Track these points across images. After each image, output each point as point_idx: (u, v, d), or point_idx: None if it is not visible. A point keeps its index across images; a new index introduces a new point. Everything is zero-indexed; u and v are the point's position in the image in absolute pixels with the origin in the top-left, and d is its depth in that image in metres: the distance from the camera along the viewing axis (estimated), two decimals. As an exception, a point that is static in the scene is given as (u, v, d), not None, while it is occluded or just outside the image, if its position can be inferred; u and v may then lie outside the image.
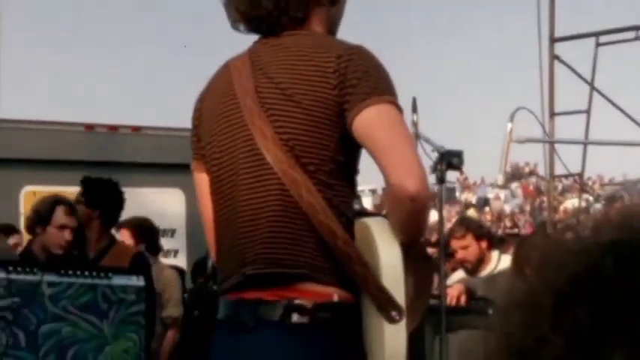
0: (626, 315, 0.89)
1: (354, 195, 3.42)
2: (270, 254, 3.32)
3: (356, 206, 3.39)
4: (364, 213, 3.41)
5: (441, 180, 6.35)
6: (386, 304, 3.24)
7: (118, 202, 7.30)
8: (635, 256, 0.92)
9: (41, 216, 6.79)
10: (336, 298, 3.29)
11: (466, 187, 37.36)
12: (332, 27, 3.59)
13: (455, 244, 8.20)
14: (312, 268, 3.29)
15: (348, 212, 3.35)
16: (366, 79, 3.26)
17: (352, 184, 3.40)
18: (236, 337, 3.37)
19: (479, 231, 8.32)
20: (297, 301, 3.28)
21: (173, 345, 8.41)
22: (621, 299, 0.89)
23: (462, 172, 31.13)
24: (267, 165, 3.31)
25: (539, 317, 0.93)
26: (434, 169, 6.34)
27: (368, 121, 3.22)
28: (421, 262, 3.49)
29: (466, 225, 8.48)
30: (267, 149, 3.30)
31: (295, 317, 3.28)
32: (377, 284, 3.24)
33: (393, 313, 3.23)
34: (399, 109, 3.29)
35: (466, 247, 8.08)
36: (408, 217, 3.24)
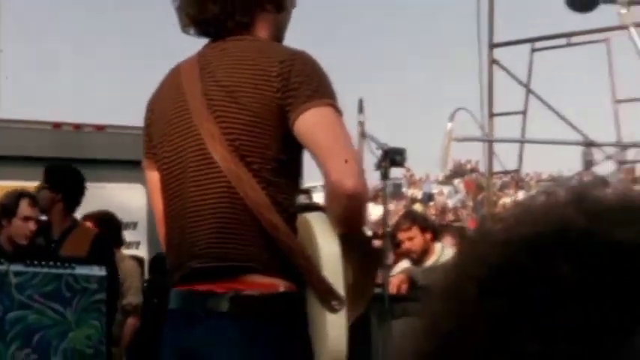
0: (540, 307, 0.89)
1: (296, 191, 3.43)
2: (216, 248, 3.32)
3: (305, 201, 3.40)
4: (308, 207, 3.42)
5: (385, 176, 6.38)
6: (327, 295, 3.25)
7: (79, 186, 7.34)
8: (549, 248, 0.93)
9: (7, 209, 6.81)
10: (281, 288, 3.29)
11: (412, 183, 37.41)
12: (278, 33, 3.58)
13: (401, 235, 8.28)
14: (258, 261, 3.29)
15: (291, 208, 3.35)
16: (308, 82, 3.27)
17: (295, 181, 3.40)
18: (186, 326, 3.37)
19: (424, 223, 8.42)
20: (244, 293, 3.28)
21: (134, 331, 8.42)
22: (536, 292, 0.90)
23: (407, 169, 31.05)
24: (214, 164, 3.31)
25: (463, 306, 0.94)
26: (378, 166, 6.37)
27: (308, 122, 3.23)
28: (362, 255, 3.51)
29: (412, 218, 8.60)
30: (214, 149, 3.30)
31: (242, 307, 3.28)
32: (318, 276, 3.25)
33: (334, 303, 3.25)
34: (338, 112, 3.30)
35: (412, 239, 8.16)
36: (346, 213, 3.26)
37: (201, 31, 3.56)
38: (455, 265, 0.99)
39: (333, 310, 3.25)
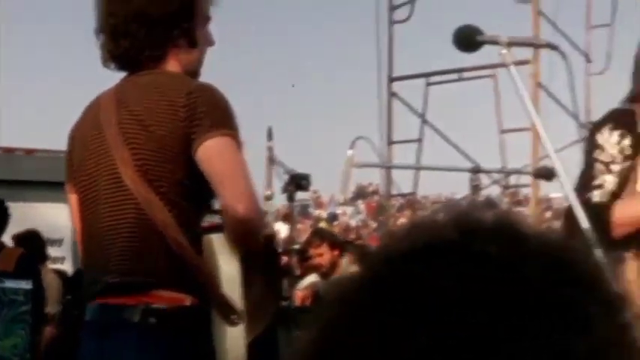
0: (394, 322, 0.91)
1: (201, 213, 3.46)
2: (127, 265, 3.33)
3: (217, 220, 3.42)
4: (213, 228, 3.45)
5: (291, 199, 6.45)
6: (226, 309, 3.30)
7: (3, 216, 7.38)
8: (424, 262, 0.95)
9: None
10: (187, 302, 3.30)
11: (318, 204, 37.40)
12: (192, 68, 3.57)
13: (312, 251, 8.50)
14: (166, 277, 3.31)
15: (196, 228, 3.38)
16: (212, 114, 3.29)
17: (200, 203, 3.42)
18: (101, 337, 3.37)
19: (333, 240, 8.67)
20: (154, 306, 3.30)
21: (50, 338, 8.52)
22: (394, 309, 0.92)
23: (314, 192, 31.05)
24: (125, 187, 3.33)
25: (353, 312, 0.95)
26: (285, 190, 6.44)
27: (207, 151, 3.26)
28: (267, 272, 3.57)
29: (322, 235, 8.85)
30: (125, 173, 3.33)
31: (152, 319, 3.29)
32: (218, 292, 3.30)
33: (233, 317, 3.30)
34: (238, 142, 3.32)
35: (322, 255, 8.35)
36: (240, 235, 3.32)
37: (119, 66, 3.57)
38: (349, 276, 1.01)
39: (233, 324, 3.30)
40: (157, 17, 3.47)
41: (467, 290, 0.90)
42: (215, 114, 3.31)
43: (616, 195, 3.61)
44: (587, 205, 3.43)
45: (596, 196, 3.61)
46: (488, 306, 0.89)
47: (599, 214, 3.50)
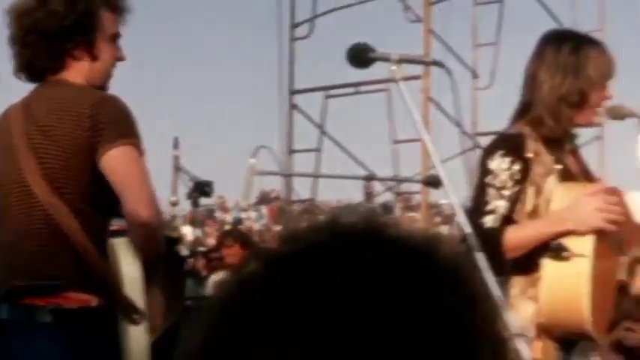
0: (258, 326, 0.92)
1: (107, 218, 3.46)
2: (36, 268, 3.33)
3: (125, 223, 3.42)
4: (117, 233, 3.46)
5: (195, 204, 6.46)
6: (129, 309, 3.30)
7: None
8: (296, 265, 0.95)
9: None
10: (94, 303, 3.31)
11: (224, 208, 37.25)
12: (96, 80, 3.54)
13: (224, 251, 8.81)
14: (73, 279, 3.31)
15: (102, 233, 3.40)
16: (115, 124, 3.31)
17: (106, 209, 3.42)
18: (10, 337, 3.36)
19: (244, 240, 9.02)
20: (63, 306, 3.30)
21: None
22: (262, 312, 0.93)
23: (220, 197, 30.86)
24: (33, 195, 3.33)
25: (220, 319, 0.96)
26: (189, 196, 6.48)
27: (112, 159, 3.28)
28: (170, 274, 3.57)
29: (234, 236, 9.18)
30: (33, 181, 3.33)
31: (62, 319, 3.29)
32: (121, 293, 3.30)
33: (135, 317, 3.30)
34: (140, 150, 3.35)
35: (234, 254, 8.53)
36: (143, 239, 3.32)
37: (27, 76, 3.56)
38: (229, 279, 1.02)
39: (135, 323, 3.31)
40: (52, 30, 3.47)
41: (333, 291, 0.91)
42: (118, 124, 3.33)
43: (508, 219, 3.64)
44: (480, 229, 3.46)
45: (489, 221, 3.62)
46: (351, 305, 0.90)
47: (492, 238, 3.53)
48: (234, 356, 0.91)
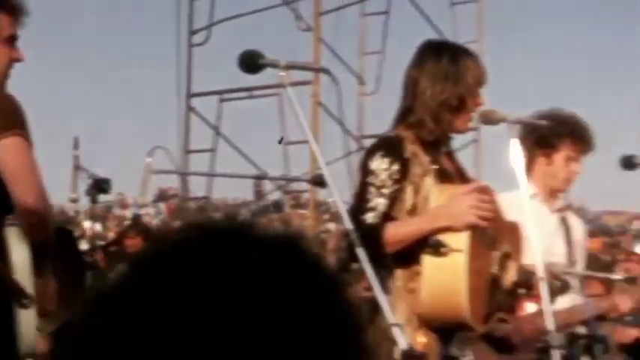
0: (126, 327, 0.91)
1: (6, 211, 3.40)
2: None
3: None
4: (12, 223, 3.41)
5: (94, 200, 6.44)
6: (18, 294, 3.28)
7: None
8: (159, 263, 0.95)
9: None
10: None
11: (123, 205, 36.86)
12: None
13: (128, 242, 9.07)
14: None
15: None
16: (4, 116, 3.29)
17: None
18: None
19: (146, 232, 9.21)
20: None
21: None
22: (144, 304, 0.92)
23: (119, 193, 30.57)
24: None
25: (99, 312, 0.94)
26: (88, 193, 6.45)
27: (1, 150, 3.28)
28: (67, 265, 3.54)
29: (137, 229, 9.44)
30: None
31: None
32: (11, 278, 3.28)
33: (25, 301, 3.28)
34: (28, 142, 3.34)
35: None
36: (31, 227, 3.32)
37: None
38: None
39: (24, 307, 3.28)
40: None
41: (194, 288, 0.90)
42: (6, 116, 3.31)
43: (388, 216, 3.67)
44: (362, 226, 3.50)
45: (370, 217, 3.64)
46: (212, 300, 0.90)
47: (373, 234, 3.55)
48: (115, 346, 0.90)
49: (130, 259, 0.98)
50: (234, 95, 13.03)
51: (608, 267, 8.05)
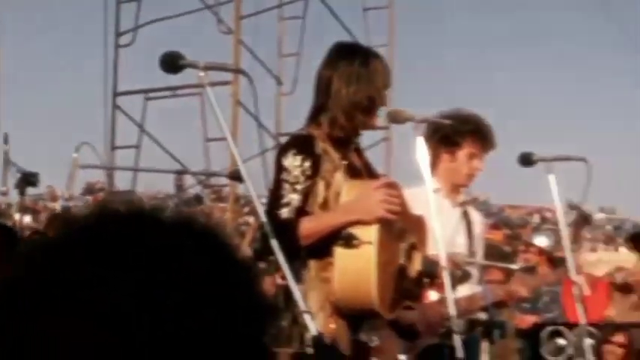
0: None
1: None
2: None
3: None
4: None
5: (22, 193, 6.36)
6: None
7: None
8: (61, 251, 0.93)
9: None
10: None
11: (53, 197, 36.35)
12: None
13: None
14: None
15: None
16: None
17: None
18: None
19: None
20: None
21: None
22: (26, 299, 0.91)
23: (49, 186, 30.17)
24: None
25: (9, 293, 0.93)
26: (17, 186, 6.37)
27: None
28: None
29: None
30: None
31: None
32: None
33: None
34: None
35: None
36: None
37: None
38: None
39: None
40: None
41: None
42: None
43: (301, 210, 3.67)
44: (277, 220, 3.51)
45: (285, 212, 3.65)
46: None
47: (288, 228, 3.55)
48: (26, 325, 0.88)
49: (42, 242, 0.96)
50: (159, 94, 12.93)
51: (510, 257, 8.18)
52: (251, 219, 13.16)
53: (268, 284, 8.25)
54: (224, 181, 12.05)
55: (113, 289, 0.87)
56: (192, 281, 0.91)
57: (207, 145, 12.24)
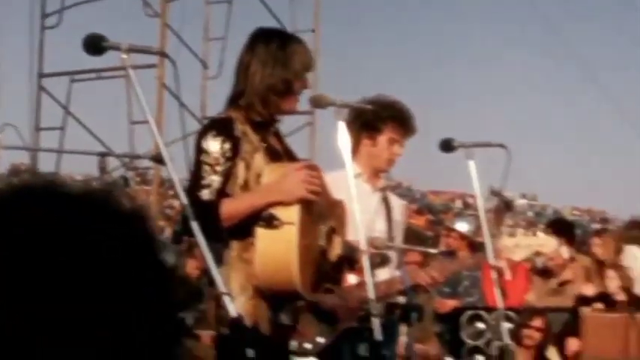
0: None
1: None
2: None
3: None
4: None
5: None
6: None
7: None
8: None
9: None
10: None
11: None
12: None
13: None
14: None
15: None
16: None
17: None
18: None
19: None
20: None
21: None
22: None
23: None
24: None
25: None
26: None
27: None
28: None
29: None
30: None
31: None
32: None
33: None
34: None
35: None
36: None
37: None
38: None
39: None
40: None
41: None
42: None
43: (222, 192, 3.65)
44: (198, 202, 3.49)
45: (206, 194, 3.63)
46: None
47: (209, 210, 3.54)
48: None
49: None
50: (84, 76, 12.79)
51: (430, 242, 8.26)
52: (176, 202, 13.07)
53: (191, 267, 8.21)
54: (148, 163, 11.95)
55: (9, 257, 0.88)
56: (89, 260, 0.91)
57: (132, 127, 12.11)
